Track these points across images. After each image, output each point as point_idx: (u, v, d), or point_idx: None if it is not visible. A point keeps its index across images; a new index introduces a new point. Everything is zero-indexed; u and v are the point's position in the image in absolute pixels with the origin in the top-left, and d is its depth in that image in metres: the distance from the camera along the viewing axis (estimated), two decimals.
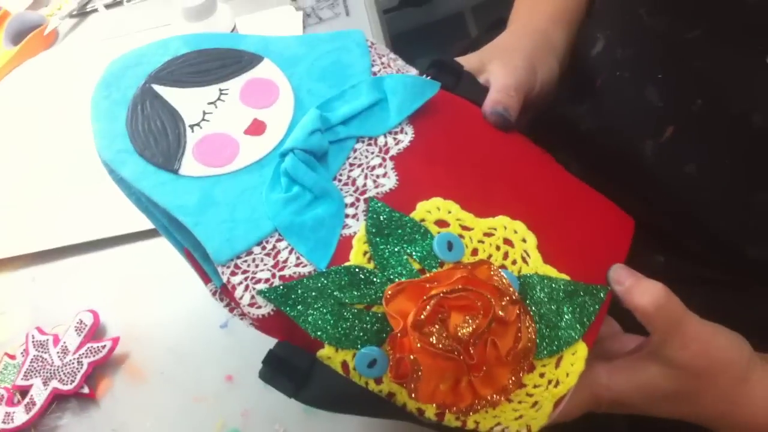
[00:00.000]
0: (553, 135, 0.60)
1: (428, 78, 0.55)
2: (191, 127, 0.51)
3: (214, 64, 0.54)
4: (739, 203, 0.53)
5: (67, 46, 1.00)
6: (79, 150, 0.86)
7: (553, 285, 0.48)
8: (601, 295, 0.49)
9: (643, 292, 0.47)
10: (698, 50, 0.53)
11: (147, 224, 0.72)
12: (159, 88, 0.52)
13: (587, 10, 0.68)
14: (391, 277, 0.45)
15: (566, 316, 0.48)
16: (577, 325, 0.48)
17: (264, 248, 0.46)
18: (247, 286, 0.45)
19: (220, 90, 0.52)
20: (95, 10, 1.03)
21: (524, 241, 0.49)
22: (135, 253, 0.76)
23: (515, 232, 0.49)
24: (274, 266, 0.46)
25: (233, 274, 0.46)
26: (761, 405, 0.48)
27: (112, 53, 0.54)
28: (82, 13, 1.04)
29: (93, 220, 0.79)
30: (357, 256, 0.46)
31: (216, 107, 0.52)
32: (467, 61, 0.59)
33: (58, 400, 0.68)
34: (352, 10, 0.81)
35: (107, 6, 1.02)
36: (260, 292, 0.45)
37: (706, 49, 0.52)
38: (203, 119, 0.51)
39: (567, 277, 0.49)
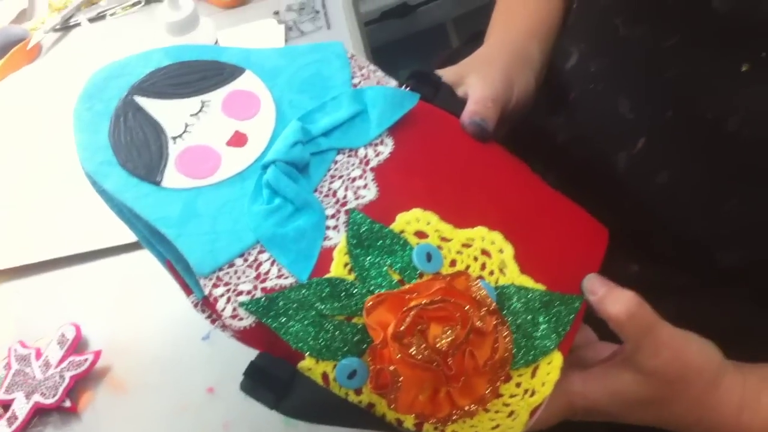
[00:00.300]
0: (530, 146, 0.60)
1: (407, 90, 0.55)
2: (173, 139, 0.50)
3: (196, 76, 0.54)
4: (710, 210, 0.54)
5: (50, 59, 1.00)
6: (61, 163, 0.86)
7: (529, 295, 0.48)
8: (576, 304, 0.49)
9: (615, 301, 0.47)
10: (673, 59, 0.53)
11: (129, 237, 0.72)
12: (141, 100, 0.52)
13: (562, 24, 0.69)
14: (372, 288, 0.45)
15: (542, 326, 0.48)
16: (553, 335, 0.48)
17: (246, 260, 0.46)
18: (228, 298, 0.45)
19: (202, 102, 0.52)
20: (78, 25, 1.02)
21: (501, 251, 0.49)
22: (117, 266, 0.76)
23: (493, 242, 0.50)
24: (256, 278, 0.46)
25: (215, 286, 0.45)
26: (733, 411, 0.49)
27: (95, 67, 0.54)
28: (65, 27, 1.03)
29: (76, 234, 0.78)
30: (338, 268, 0.46)
31: (198, 119, 0.52)
32: (446, 74, 0.59)
33: (39, 413, 0.67)
34: (333, 23, 0.81)
35: (90, 20, 1.02)
36: (242, 304, 0.45)
37: (682, 58, 0.53)
38: (185, 131, 0.51)
39: (543, 287, 0.49)
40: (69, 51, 1.00)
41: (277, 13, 0.84)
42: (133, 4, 1.01)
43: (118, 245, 0.76)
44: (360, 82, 0.55)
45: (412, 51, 1.74)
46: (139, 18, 1.01)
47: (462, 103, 0.57)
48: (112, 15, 1.02)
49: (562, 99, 0.64)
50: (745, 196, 0.51)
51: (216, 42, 0.77)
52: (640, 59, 0.56)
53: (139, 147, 0.50)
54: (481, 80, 0.58)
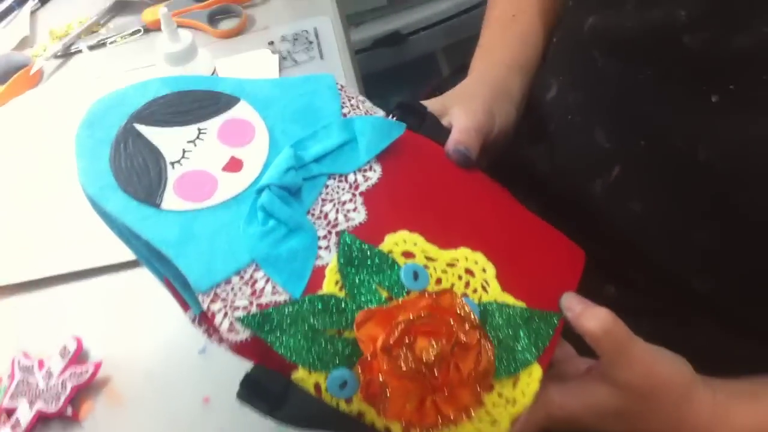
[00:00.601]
0: (512, 174, 0.63)
1: (394, 119, 0.58)
2: (172, 164, 0.53)
3: (193, 105, 0.56)
4: (680, 239, 0.56)
5: (52, 85, 1.02)
6: (63, 185, 0.88)
7: (511, 312, 0.51)
8: (555, 320, 0.52)
9: (591, 317, 0.49)
10: (647, 91, 0.56)
11: (128, 255, 0.74)
12: (141, 128, 0.54)
13: (543, 56, 0.72)
14: (362, 304, 0.48)
15: (523, 340, 0.50)
16: (533, 349, 0.50)
17: (242, 278, 0.48)
18: (225, 313, 0.47)
19: (199, 129, 0.55)
20: (79, 51, 1.05)
21: (484, 271, 0.52)
22: (117, 283, 0.78)
23: (476, 262, 0.52)
24: (252, 295, 0.48)
25: (213, 302, 0.47)
26: (704, 424, 0.51)
27: (96, 93, 0.56)
28: (66, 54, 1.06)
29: (77, 252, 0.80)
30: (329, 285, 0.48)
31: (195, 145, 0.54)
32: (431, 105, 0.62)
33: (42, 421, 0.69)
34: (326, 53, 0.84)
35: (91, 47, 1.05)
36: (239, 319, 0.47)
37: (655, 90, 0.55)
38: (183, 157, 0.53)
39: (523, 304, 0.51)
40: (70, 77, 1.03)
41: (271, 43, 0.86)
42: (132, 33, 1.03)
43: (118, 263, 0.78)
44: (349, 112, 0.57)
45: (403, 79, 1.76)
46: (139, 47, 1.04)
47: (446, 132, 0.59)
48: (112, 43, 1.04)
49: (542, 129, 0.66)
50: (715, 226, 0.54)
51: (214, 72, 0.80)
52: (616, 91, 0.59)
53: (139, 172, 0.52)
54: (464, 111, 0.60)
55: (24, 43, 1.10)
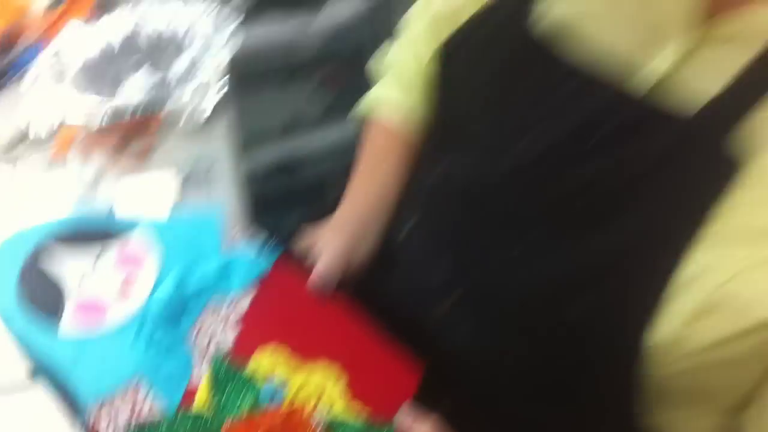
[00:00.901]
0: (367, 298, 0.73)
1: (268, 250, 0.68)
2: (69, 293, 0.61)
3: (93, 234, 0.65)
4: (496, 367, 0.67)
5: None
6: None
7: (355, 425, 0.60)
8: None
9: (421, 427, 0.59)
10: (469, 238, 0.68)
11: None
12: (44, 259, 0.63)
13: (401, 196, 0.83)
14: (225, 420, 0.57)
15: None
16: None
17: (124, 395, 0.57)
18: (109, 425, 0.56)
19: (97, 256, 0.64)
20: None
21: (335, 386, 0.62)
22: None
23: (328, 379, 0.62)
24: (131, 410, 0.56)
25: (97, 417, 0.56)
26: None
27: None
28: None
29: None
30: (200, 402, 0.57)
31: (93, 270, 0.63)
32: (306, 237, 0.72)
33: None
34: (220, 180, 0.94)
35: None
36: None
37: (473, 238, 0.67)
38: (80, 285, 0.62)
39: (368, 412, 0.61)
40: None
41: (173, 168, 0.96)
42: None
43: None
44: (230, 243, 0.67)
45: (296, 203, 1.88)
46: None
47: (312, 265, 0.70)
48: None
49: (395, 260, 0.77)
50: (522, 357, 0.65)
51: (114, 199, 0.88)
52: (459, 230, 0.70)
53: (40, 301, 0.60)
54: (327, 248, 0.71)
55: None
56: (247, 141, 1.86)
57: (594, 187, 0.60)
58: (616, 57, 0.61)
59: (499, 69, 0.68)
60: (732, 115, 0.55)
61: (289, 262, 0.69)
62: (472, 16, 0.74)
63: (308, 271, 0.70)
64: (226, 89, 1.07)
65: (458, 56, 0.74)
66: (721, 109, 0.55)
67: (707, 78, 0.57)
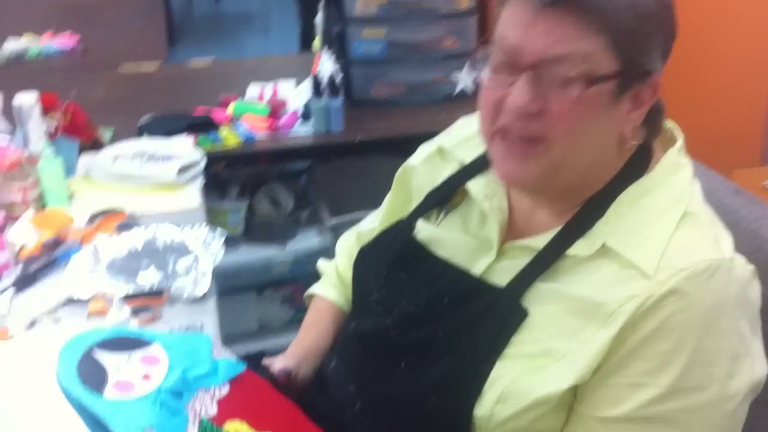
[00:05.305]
0: (308, 402, 1.04)
1: (240, 361, 0.99)
2: (112, 374, 0.92)
3: (127, 342, 0.97)
4: None
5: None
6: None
7: None
8: None
9: None
10: (376, 362, 1.00)
11: None
12: (96, 353, 0.94)
13: (332, 340, 1.17)
14: None
15: None
16: None
17: None
18: None
19: (129, 356, 0.95)
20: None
21: None
22: None
23: None
24: None
25: None
26: None
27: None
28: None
29: None
30: None
31: (126, 363, 0.93)
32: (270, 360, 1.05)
33: None
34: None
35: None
36: None
37: (376, 362, 1.00)
38: (118, 371, 0.92)
39: None
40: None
41: (172, 330, 1.30)
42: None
43: None
44: (216, 356, 0.99)
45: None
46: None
47: (270, 374, 1.02)
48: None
49: (324, 382, 1.09)
50: None
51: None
52: (361, 363, 1.03)
53: (93, 377, 0.91)
54: (282, 357, 1.04)
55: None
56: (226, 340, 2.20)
57: (441, 332, 0.95)
58: (460, 258, 1.00)
59: (392, 261, 1.06)
60: (524, 285, 0.92)
61: (253, 371, 1.01)
62: (380, 232, 1.14)
63: (267, 378, 1.02)
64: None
65: (369, 255, 1.12)
66: (518, 283, 0.92)
67: (509, 269, 0.95)
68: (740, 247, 0.90)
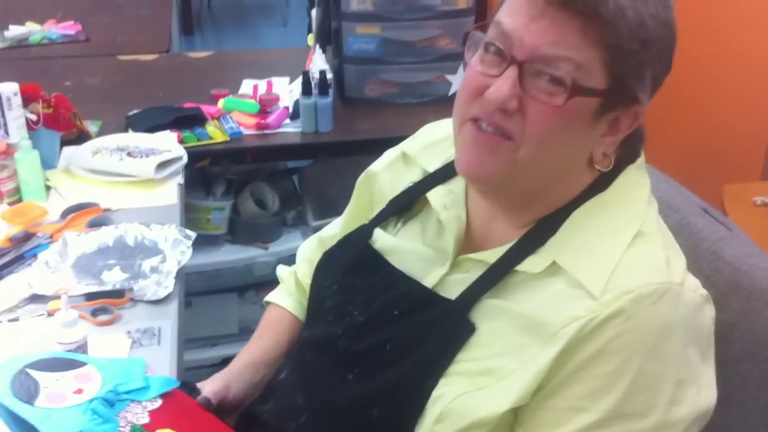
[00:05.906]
0: (249, 420, 1.03)
1: (174, 380, 0.99)
2: (44, 389, 0.91)
3: (60, 363, 0.97)
4: None
5: None
6: None
7: None
8: None
9: None
10: (326, 372, 0.99)
11: None
12: (30, 371, 0.93)
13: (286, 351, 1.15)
14: None
15: None
16: None
17: None
18: None
19: (63, 374, 0.94)
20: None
21: None
22: None
23: None
24: None
25: None
26: None
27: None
28: None
29: None
30: None
31: (57, 380, 0.93)
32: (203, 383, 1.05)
33: None
34: (162, 341, 1.25)
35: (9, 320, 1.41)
36: None
37: (326, 371, 0.99)
38: (50, 387, 0.92)
39: None
40: None
41: (128, 332, 1.28)
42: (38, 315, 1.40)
43: None
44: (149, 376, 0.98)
45: None
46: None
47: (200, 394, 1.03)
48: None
49: (271, 394, 1.07)
50: None
51: (85, 343, 1.18)
52: (310, 372, 1.02)
53: (25, 390, 0.90)
54: (210, 381, 1.05)
55: None
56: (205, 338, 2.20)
57: (389, 345, 0.94)
58: (414, 268, 0.98)
59: (347, 269, 1.05)
60: (472, 300, 0.90)
61: (184, 389, 1.01)
62: (341, 239, 1.12)
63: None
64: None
65: (328, 261, 1.10)
66: (467, 297, 0.91)
67: (461, 282, 0.93)
68: (700, 268, 0.86)
